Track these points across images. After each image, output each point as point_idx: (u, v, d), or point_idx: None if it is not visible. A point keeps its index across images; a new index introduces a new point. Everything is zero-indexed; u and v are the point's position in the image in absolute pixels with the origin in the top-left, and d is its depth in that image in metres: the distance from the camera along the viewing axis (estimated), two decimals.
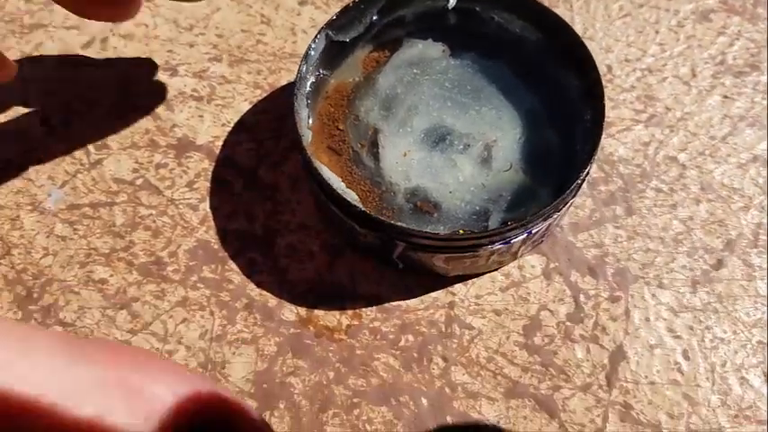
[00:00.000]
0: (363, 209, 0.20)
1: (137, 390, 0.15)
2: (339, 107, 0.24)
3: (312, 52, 0.23)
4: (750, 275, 0.23)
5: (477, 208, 0.22)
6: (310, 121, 0.23)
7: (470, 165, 0.23)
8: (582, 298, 0.23)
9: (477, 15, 0.24)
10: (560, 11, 0.27)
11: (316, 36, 0.23)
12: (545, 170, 0.22)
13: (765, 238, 0.24)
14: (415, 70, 0.24)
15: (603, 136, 0.25)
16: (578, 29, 0.27)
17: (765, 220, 0.24)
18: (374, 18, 0.24)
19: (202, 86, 0.27)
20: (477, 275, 0.23)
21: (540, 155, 0.23)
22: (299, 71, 0.22)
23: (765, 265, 0.23)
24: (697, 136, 0.26)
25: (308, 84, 0.23)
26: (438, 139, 0.23)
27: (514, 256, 0.23)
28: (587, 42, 0.26)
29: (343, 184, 0.22)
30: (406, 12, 0.24)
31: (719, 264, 0.23)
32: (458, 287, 0.23)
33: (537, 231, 0.21)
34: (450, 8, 0.24)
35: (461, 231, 0.21)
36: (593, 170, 0.25)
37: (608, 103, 0.26)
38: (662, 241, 0.24)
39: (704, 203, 0.24)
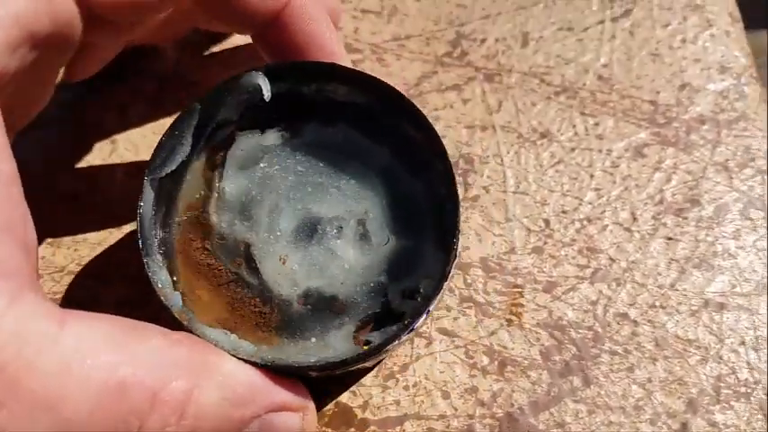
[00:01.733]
0: (261, 361, 0.20)
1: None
2: (198, 231, 0.23)
3: (144, 208, 0.21)
4: None
5: (372, 285, 0.22)
6: (175, 266, 0.22)
7: (350, 248, 0.22)
8: None
9: (300, 94, 0.23)
10: (491, 165, 0.27)
11: (141, 193, 0.21)
12: (420, 225, 0.22)
13: (726, 391, 0.23)
14: (260, 165, 0.23)
15: (549, 299, 0.25)
16: (511, 183, 0.27)
17: (724, 371, 0.24)
18: (194, 132, 0.23)
19: None
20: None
21: (409, 211, 0.23)
22: (139, 235, 0.21)
23: (729, 422, 0.23)
24: (645, 287, 0.25)
25: (155, 238, 0.22)
26: (310, 232, 0.23)
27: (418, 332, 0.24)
28: (521, 197, 0.26)
29: (234, 337, 0.21)
30: (226, 113, 0.23)
31: (684, 428, 0.23)
32: None
33: (433, 307, 0.21)
34: (266, 98, 0.23)
35: (364, 348, 0.21)
36: (546, 338, 0.24)
37: (550, 261, 0.26)
38: (623, 411, 0.23)
39: (661, 361, 0.24)
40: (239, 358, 0.20)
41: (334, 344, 0.22)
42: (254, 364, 0.20)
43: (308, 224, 0.23)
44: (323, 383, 0.23)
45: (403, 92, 0.22)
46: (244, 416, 0.19)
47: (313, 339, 0.22)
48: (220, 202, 0.23)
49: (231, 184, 0.23)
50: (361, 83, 0.23)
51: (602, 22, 0.31)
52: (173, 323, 0.20)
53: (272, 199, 0.23)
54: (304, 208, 0.23)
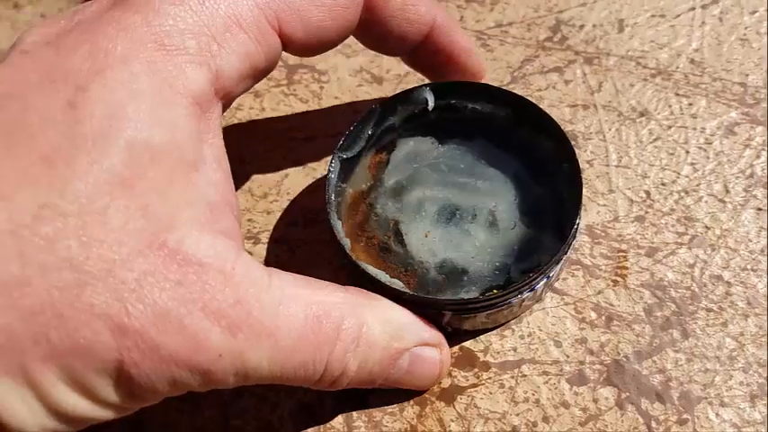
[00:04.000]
0: (411, 292, 0.25)
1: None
2: (360, 211, 0.28)
3: (332, 175, 0.27)
4: None
5: (498, 264, 0.27)
6: (344, 229, 0.28)
7: (482, 231, 0.27)
8: (653, 424, 0.26)
9: (452, 107, 0.29)
10: (594, 141, 0.30)
11: (331, 161, 0.27)
12: (542, 219, 0.27)
13: None
14: (413, 164, 0.29)
15: (651, 262, 0.28)
16: (613, 158, 0.30)
17: None
18: (370, 131, 0.28)
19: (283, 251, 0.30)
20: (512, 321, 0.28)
21: (534, 208, 0.27)
22: (326, 192, 0.27)
23: None
24: (737, 252, 0.28)
25: (334, 201, 0.27)
26: (449, 215, 0.28)
27: (540, 299, 0.28)
28: (623, 170, 0.29)
29: (387, 275, 0.26)
30: (394, 119, 0.29)
31: None
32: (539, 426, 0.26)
33: (553, 275, 0.26)
34: (430, 108, 0.29)
35: (494, 291, 0.25)
36: (648, 297, 0.28)
37: (651, 229, 0.29)
38: (718, 360, 0.26)
39: (752, 318, 0.27)
40: (393, 288, 0.24)
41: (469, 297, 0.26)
42: (402, 294, 0.25)
43: (449, 209, 0.28)
44: (449, 335, 0.27)
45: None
46: (399, 347, 0.23)
47: (446, 295, 0.26)
48: (381, 190, 0.28)
49: (390, 176, 0.29)
50: (506, 99, 0.28)
51: (692, 9, 0.33)
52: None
53: (420, 189, 0.28)
54: (446, 198, 0.28)
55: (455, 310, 0.25)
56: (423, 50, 0.28)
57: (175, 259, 0.19)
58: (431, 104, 0.28)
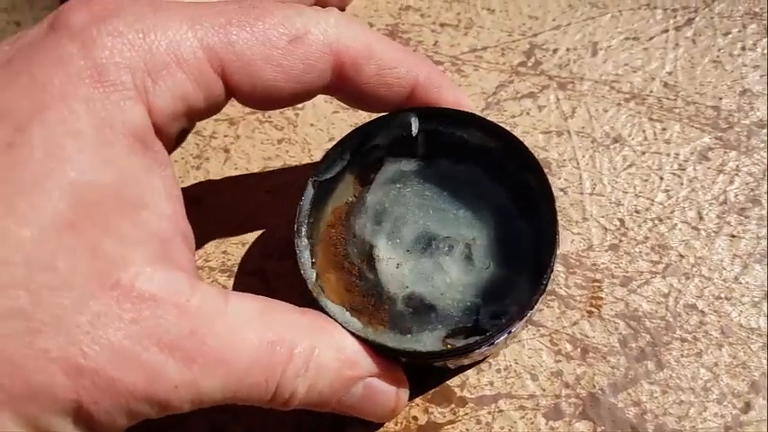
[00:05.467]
0: (364, 336, 0.24)
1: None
2: (338, 228, 0.28)
3: (303, 201, 0.26)
4: None
5: (468, 304, 0.26)
6: (315, 249, 0.27)
7: (455, 266, 0.26)
8: None
9: (441, 133, 0.28)
10: (568, 169, 0.30)
11: (305, 186, 0.26)
12: (520, 259, 0.26)
13: None
14: (397, 185, 0.28)
15: (626, 292, 0.28)
16: (587, 186, 0.30)
17: None
18: (353, 151, 0.27)
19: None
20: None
21: (513, 246, 0.27)
22: (296, 219, 0.26)
23: None
24: (711, 280, 0.28)
25: (305, 225, 0.26)
26: (425, 245, 0.27)
27: (502, 348, 0.28)
28: (597, 198, 0.29)
29: (347, 314, 0.26)
30: (380, 140, 0.28)
31: (747, 407, 0.26)
32: None
33: (515, 329, 0.25)
34: (414, 134, 0.27)
35: (449, 346, 0.25)
36: (623, 328, 0.28)
37: (625, 258, 0.29)
38: (693, 391, 0.27)
39: (726, 347, 0.27)
40: (348, 331, 0.24)
41: (425, 341, 0.25)
42: (358, 337, 0.24)
43: (425, 238, 0.27)
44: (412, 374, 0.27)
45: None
46: (351, 374, 0.23)
47: (409, 335, 0.26)
48: (362, 209, 0.28)
49: (372, 196, 0.28)
50: (494, 132, 0.27)
51: (666, 31, 0.33)
52: (301, 297, 0.24)
53: (400, 213, 0.27)
54: (424, 225, 0.27)
55: (410, 359, 0.25)
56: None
57: (129, 297, 0.19)
58: (414, 130, 0.27)
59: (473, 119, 0.27)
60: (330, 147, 0.27)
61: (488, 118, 0.27)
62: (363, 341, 0.24)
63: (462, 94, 0.27)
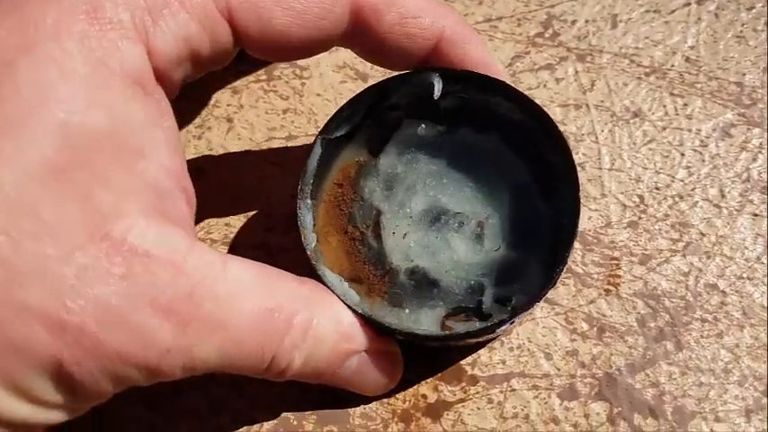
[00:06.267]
0: (361, 311, 0.23)
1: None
2: (346, 188, 0.26)
3: (309, 161, 0.25)
4: None
5: (473, 283, 0.24)
6: (317, 210, 0.25)
7: (464, 244, 0.25)
8: None
9: (464, 99, 0.25)
10: (587, 143, 0.29)
11: (312, 148, 0.25)
12: (534, 243, 0.24)
13: None
14: (413, 149, 0.26)
15: (645, 270, 0.27)
16: (606, 161, 0.29)
17: None
18: (368, 109, 0.25)
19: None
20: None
21: (528, 228, 0.25)
22: (300, 180, 0.24)
23: None
24: (733, 259, 0.27)
25: (310, 186, 0.25)
26: (434, 219, 0.25)
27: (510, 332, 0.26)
28: (616, 174, 0.28)
29: (345, 285, 0.24)
30: (397, 100, 0.26)
31: None
32: None
33: (517, 320, 0.23)
34: (436, 97, 0.25)
35: (449, 323, 0.24)
36: (641, 307, 0.27)
37: (644, 235, 0.28)
38: (713, 373, 0.26)
39: (748, 329, 0.26)
40: (345, 304, 0.23)
41: (424, 320, 0.24)
42: (355, 312, 0.23)
43: (435, 211, 0.25)
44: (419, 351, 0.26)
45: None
46: (348, 348, 0.22)
47: (407, 310, 0.24)
48: (373, 170, 0.26)
49: (386, 158, 0.26)
50: (522, 103, 0.25)
51: (688, 4, 0.32)
52: (303, 271, 0.23)
53: (411, 179, 0.26)
54: (435, 196, 0.26)
55: (407, 339, 0.24)
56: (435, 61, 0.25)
57: (120, 251, 0.18)
58: (437, 92, 0.25)
59: (501, 86, 0.25)
60: (345, 102, 0.25)
61: None
62: (360, 316, 0.23)
63: (492, 55, 0.25)
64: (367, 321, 0.23)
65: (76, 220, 0.18)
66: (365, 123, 0.26)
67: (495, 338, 0.26)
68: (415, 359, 0.26)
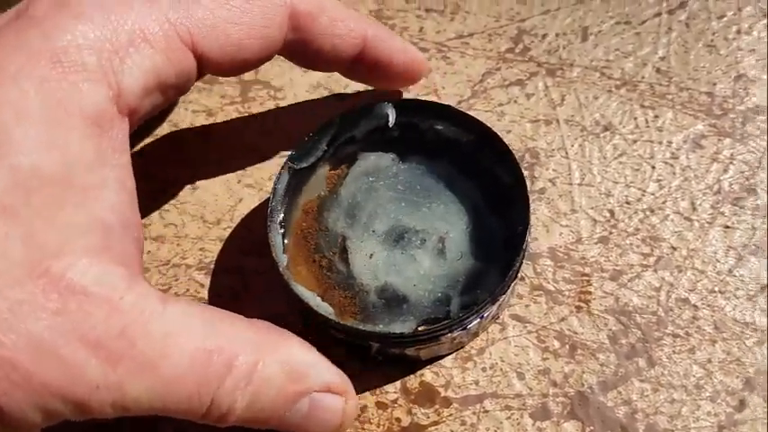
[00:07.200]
0: (336, 320, 0.24)
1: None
2: (311, 221, 0.27)
3: (278, 186, 0.26)
4: None
5: (440, 295, 0.26)
6: (286, 242, 0.27)
7: (428, 258, 0.26)
8: None
9: (416, 126, 0.28)
10: (557, 159, 0.29)
11: (280, 171, 0.26)
12: (491, 253, 0.26)
13: None
14: (370, 179, 0.28)
15: (616, 286, 0.27)
16: (576, 176, 0.29)
17: None
18: (329, 141, 0.27)
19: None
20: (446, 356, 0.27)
21: (485, 240, 0.26)
22: (270, 204, 0.26)
23: None
24: (704, 273, 0.27)
25: (280, 212, 0.27)
26: (397, 237, 0.27)
27: (475, 336, 0.27)
28: (586, 189, 0.28)
29: (318, 299, 0.26)
30: (355, 132, 0.28)
31: (742, 405, 0.25)
32: None
33: (488, 315, 0.25)
34: (391, 125, 0.28)
35: (421, 328, 0.25)
36: (613, 323, 0.27)
37: (615, 250, 0.28)
38: (685, 389, 0.26)
39: (720, 343, 0.26)
40: (319, 315, 0.24)
41: (396, 330, 0.25)
42: (329, 320, 0.24)
43: (398, 231, 0.27)
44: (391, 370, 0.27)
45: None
46: (297, 389, 0.22)
47: (380, 326, 0.25)
48: (335, 202, 0.28)
49: (346, 190, 0.28)
50: (468, 124, 0.27)
51: (658, 14, 0.32)
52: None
53: (372, 206, 0.27)
54: (396, 218, 0.27)
55: (381, 343, 0.25)
56: (361, 63, 0.27)
57: (57, 287, 0.19)
58: (391, 121, 0.27)
59: (449, 111, 0.27)
60: (310, 132, 0.27)
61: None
62: (334, 325, 0.24)
63: (411, 45, 0.29)
64: (342, 330, 0.24)
65: (17, 257, 0.18)
66: (326, 156, 0.28)
67: (465, 343, 0.27)
68: (389, 382, 0.26)
